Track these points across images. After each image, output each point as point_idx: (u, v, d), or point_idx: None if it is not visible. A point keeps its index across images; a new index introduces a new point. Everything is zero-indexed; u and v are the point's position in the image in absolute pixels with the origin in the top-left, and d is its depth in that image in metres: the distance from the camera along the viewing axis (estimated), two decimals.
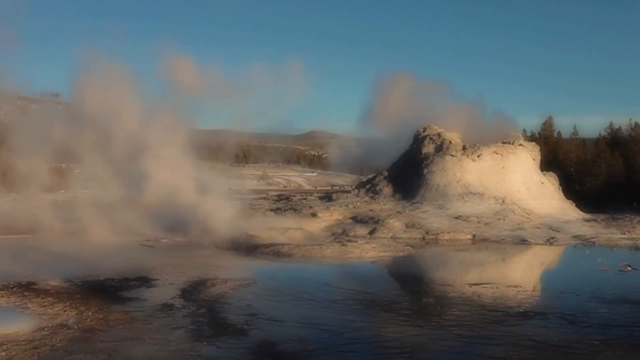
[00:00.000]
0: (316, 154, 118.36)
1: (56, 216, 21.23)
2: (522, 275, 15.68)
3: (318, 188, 72.09)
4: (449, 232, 21.25)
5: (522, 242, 20.08)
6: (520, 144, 27.89)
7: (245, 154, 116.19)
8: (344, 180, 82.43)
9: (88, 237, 19.11)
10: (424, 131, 29.46)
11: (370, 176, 34.28)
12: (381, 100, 37.89)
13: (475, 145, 27.37)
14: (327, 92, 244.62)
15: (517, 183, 26.64)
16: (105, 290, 11.62)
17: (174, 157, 21.68)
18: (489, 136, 28.92)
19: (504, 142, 27.80)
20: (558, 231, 21.92)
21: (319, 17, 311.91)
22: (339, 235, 21.25)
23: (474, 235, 21.09)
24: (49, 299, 10.57)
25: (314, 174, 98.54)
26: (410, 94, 36.08)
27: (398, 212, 24.05)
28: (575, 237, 21.00)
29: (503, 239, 20.48)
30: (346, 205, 25.58)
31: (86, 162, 23.94)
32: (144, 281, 12.68)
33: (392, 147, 32.17)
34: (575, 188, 37.34)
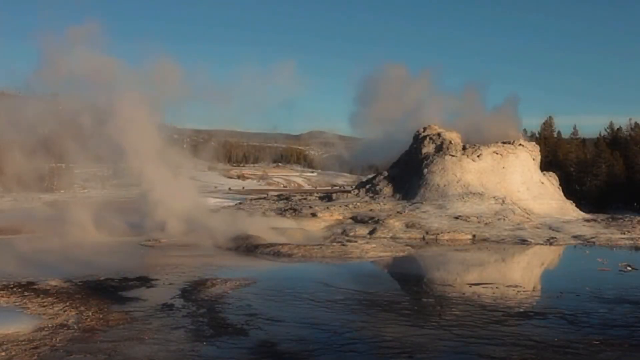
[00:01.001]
0: (316, 154, 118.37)
1: (54, 216, 21.25)
2: (522, 275, 15.68)
3: (318, 188, 72.16)
4: (449, 232, 21.26)
5: (522, 242, 20.08)
6: (520, 144, 27.89)
7: (245, 154, 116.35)
8: (344, 180, 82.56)
9: (86, 237, 19.17)
10: (424, 131, 29.49)
11: (370, 176, 34.31)
12: (369, 93, 38.06)
13: (475, 145, 27.40)
14: (326, 93, 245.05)
15: (517, 183, 26.66)
16: (105, 290, 11.61)
17: (151, 154, 21.30)
18: (490, 131, 29.04)
19: (504, 142, 27.82)
20: (558, 231, 21.93)
21: (320, 18, 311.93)
22: (339, 235, 21.25)
23: (474, 235, 21.09)
24: (49, 299, 10.56)
25: (314, 174, 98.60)
26: (400, 87, 36.26)
27: (398, 212, 24.06)
28: (575, 237, 21.00)
29: (503, 239, 20.48)
30: (346, 205, 25.59)
31: (73, 159, 23.73)
32: (144, 281, 12.67)
33: (383, 145, 32.31)
34: (575, 188, 37.43)
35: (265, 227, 20.71)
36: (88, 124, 21.22)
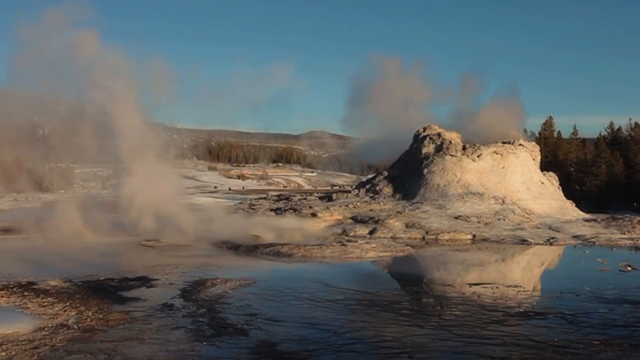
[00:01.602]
0: (316, 154, 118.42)
1: (54, 216, 21.21)
2: (522, 275, 15.67)
3: (318, 188, 72.20)
4: (449, 232, 21.26)
5: (522, 242, 20.08)
6: (520, 144, 27.91)
7: (245, 154, 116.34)
8: (344, 180, 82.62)
9: (85, 237, 19.17)
10: (423, 131, 29.50)
11: (370, 176, 34.34)
12: (363, 90, 38.13)
13: (475, 145, 27.42)
14: (326, 92, 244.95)
15: (517, 183, 26.66)
16: (105, 290, 11.61)
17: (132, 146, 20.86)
18: (491, 124, 29.07)
19: (504, 142, 27.84)
20: (558, 231, 21.93)
21: (319, 17, 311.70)
22: (339, 235, 21.25)
23: (474, 235, 21.09)
24: (49, 299, 10.56)
25: (314, 174, 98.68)
26: (395, 80, 36.32)
27: (398, 212, 24.06)
28: (576, 237, 21.00)
29: (503, 239, 20.48)
30: (346, 205, 25.59)
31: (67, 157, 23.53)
32: (144, 281, 12.67)
33: (380, 143, 32.34)
34: (575, 188, 37.48)
35: (245, 225, 20.65)
36: (75, 117, 21.04)
